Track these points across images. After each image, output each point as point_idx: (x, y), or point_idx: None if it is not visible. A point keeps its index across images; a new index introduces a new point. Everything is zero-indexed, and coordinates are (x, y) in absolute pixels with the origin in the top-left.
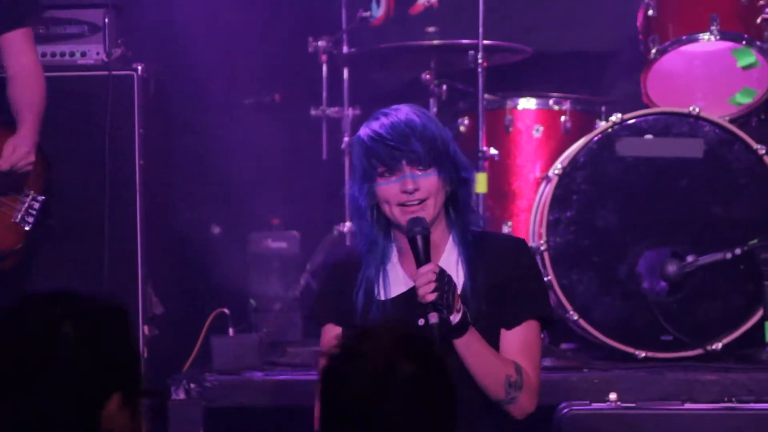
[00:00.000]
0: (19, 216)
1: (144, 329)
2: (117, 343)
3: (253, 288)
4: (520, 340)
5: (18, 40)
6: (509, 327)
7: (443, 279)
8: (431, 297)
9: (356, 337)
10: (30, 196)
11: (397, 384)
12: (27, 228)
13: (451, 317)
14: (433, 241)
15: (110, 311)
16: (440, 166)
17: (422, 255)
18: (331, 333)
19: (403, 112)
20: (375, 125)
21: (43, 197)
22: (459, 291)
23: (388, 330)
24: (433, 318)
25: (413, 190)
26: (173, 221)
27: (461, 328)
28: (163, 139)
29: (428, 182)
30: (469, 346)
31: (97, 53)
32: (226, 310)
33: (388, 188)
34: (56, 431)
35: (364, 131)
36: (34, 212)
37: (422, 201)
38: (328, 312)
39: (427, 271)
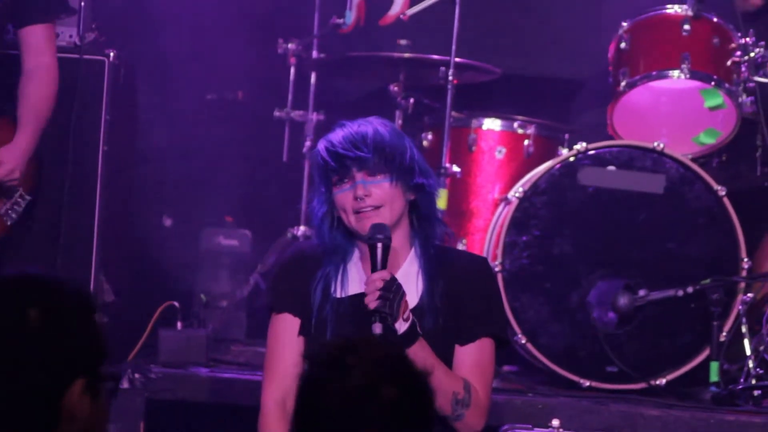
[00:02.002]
0: (3, 209)
1: None
2: (82, 328)
3: (202, 283)
4: (473, 358)
5: (40, 35)
6: (463, 343)
7: (391, 287)
8: (374, 304)
9: (341, 347)
10: (18, 193)
11: (378, 405)
12: (9, 222)
13: (396, 325)
14: (395, 250)
15: (75, 296)
16: (392, 173)
17: (379, 263)
18: (286, 323)
19: (358, 123)
20: (330, 136)
21: (30, 198)
22: (417, 302)
23: (374, 346)
24: (377, 329)
25: (364, 196)
26: (130, 210)
27: (408, 339)
28: (127, 128)
29: (380, 189)
30: (416, 358)
31: (70, 36)
32: (176, 303)
33: (342, 196)
34: (17, 417)
35: (321, 143)
36: (19, 209)
37: (376, 208)
38: (286, 301)
39: (376, 278)
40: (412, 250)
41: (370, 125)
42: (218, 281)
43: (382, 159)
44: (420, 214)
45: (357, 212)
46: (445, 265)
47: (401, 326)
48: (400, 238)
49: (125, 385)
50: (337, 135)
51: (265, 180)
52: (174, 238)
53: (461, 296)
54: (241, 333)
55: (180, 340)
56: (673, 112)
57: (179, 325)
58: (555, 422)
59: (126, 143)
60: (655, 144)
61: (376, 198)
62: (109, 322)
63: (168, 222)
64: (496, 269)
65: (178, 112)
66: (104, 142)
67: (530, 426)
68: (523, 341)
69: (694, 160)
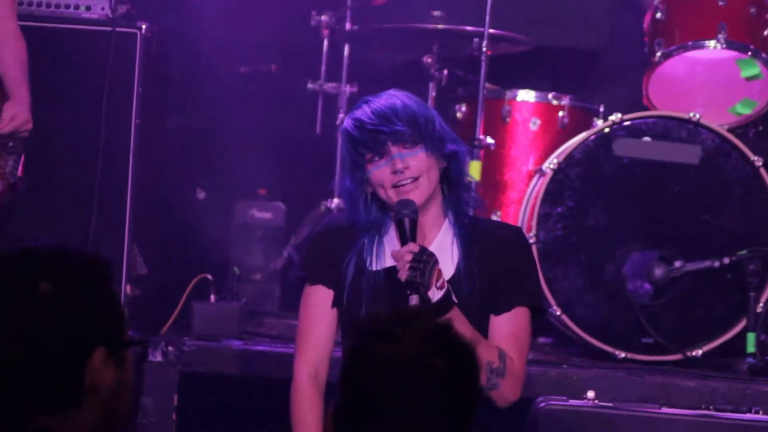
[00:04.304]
0: (11, 165)
1: (126, 288)
2: (97, 297)
3: (236, 256)
4: (508, 327)
5: (4, 2)
6: (498, 313)
7: (421, 257)
8: (405, 275)
9: (390, 318)
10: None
11: (426, 376)
12: (11, 181)
13: (430, 294)
14: (429, 221)
15: (88, 265)
16: (427, 143)
17: (408, 237)
18: (320, 294)
19: (383, 97)
20: (357, 113)
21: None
22: (453, 271)
23: (423, 317)
24: (413, 300)
25: (403, 169)
26: (163, 183)
27: (443, 307)
28: (160, 101)
29: (417, 160)
30: None
31: (102, 8)
32: (209, 276)
33: (380, 172)
34: (40, 391)
35: (347, 122)
36: (18, 166)
37: (415, 179)
38: (320, 273)
39: (404, 252)
40: (446, 220)
41: (396, 98)
42: (252, 254)
43: (415, 130)
44: (451, 182)
45: (396, 186)
46: (479, 235)
47: (435, 294)
48: (434, 208)
49: (158, 358)
50: (365, 111)
51: (299, 152)
52: (207, 211)
53: (496, 266)
54: (275, 306)
55: (213, 313)
56: (708, 83)
57: (212, 298)
58: (590, 394)
59: (158, 116)
60: (691, 115)
61: (414, 169)
62: (142, 294)
63: (201, 195)
64: (531, 241)
65: (212, 84)
66: (137, 115)
67: (565, 398)
68: (558, 313)
69: (730, 130)
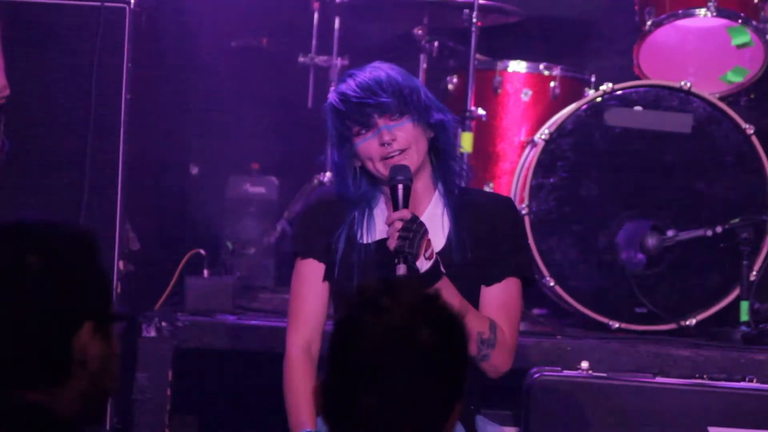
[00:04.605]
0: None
1: (119, 264)
2: (85, 270)
3: (229, 231)
4: (499, 297)
5: None
6: (489, 283)
7: (411, 226)
8: (394, 244)
9: (379, 289)
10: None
11: (414, 346)
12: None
13: (418, 263)
14: (419, 192)
15: (75, 238)
16: (413, 113)
17: (401, 203)
18: (311, 268)
19: (367, 69)
20: (342, 87)
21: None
22: (444, 242)
23: (411, 288)
24: (401, 270)
25: (391, 141)
26: (154, 158)
27: (431, 278)
28: (151, 76)
29: (404, 131)
30: None
31: None
32: (202, 251)
33: (367, 145)
34: (28, 365)
35: (332, 96)
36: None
37: (403, 150)
38: (311, 246)
39: (395, 218)
40: (436, 191)
41: (380, 70)
42: (245, 229)
43: (401, 101)
44: (439, 151)
45: (384, 158)
46: (470, 205)
47: (423, 265)
48: (424, 179)
49: (152, 333)
50: (350, 85)
51: (291, 126)
52: (200, 186)
53: (486, 236)
54: (270, 280)
55: (206, 288)
56: (699, 51)
57: (206, 273)
58: (584, 364)
59: (149, 91)
60: (682, 83)
61: (401, 141)
62: (136, 270)
63: (194, 170)
64: (524, 212)
65: (203, 59)
66: (127, 90)
67: (559, 368)
68: (552, 284)
69: (721, 98)
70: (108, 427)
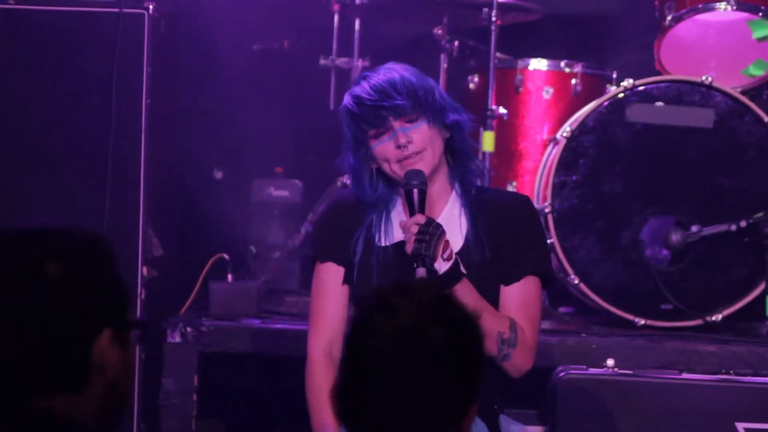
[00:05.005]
0: None
1: (143, 270)
2: (102, 278)
3: (254, 235)
4: (518, 297)
5: None
6: (508, 283)
7: (427, 229)
8: (411, 247)
9: (392, 289)
10: None
11: (427, 346)
12: None
13: (436, 265)
14: (436, 193)
15: (93, 245)
16: (428, 115)
17: (416, 207)
18: (331, 272)
19: (381, 71)
20: (356, 90)
21: None
22: (462, 243)
23: (423, 288)
24: (420, 273)
25: (406, 144)
26: (177, 163)
27: (451, 279)
28: (171, 81)
29: (419, 133)
30: (459, 298)
31: None
32: (226, 256)
33: (383, 148)
34: (47, 372)
35: (347, 99)
36: None
37: (419, 152)
38: (329, 250)
39: (410, 223)
40: (453, 191)
41: (394, 71)
42: (270, 232)
43: (416, 103)
44: (455, 151)
45: (400, 161)
46: (487, 204)
47: (441, 266)
48: (440, 180)
49: (177, 339)
50: (364, 87)
51: (314, 129)
52: (225, 191)
53: (504, 235)
54: (295, 283)
55: (230, 293)
56: (720, 45)
57: (229, 277)
58: (610, 362)
59: (170, 96)
60: (703, 78)
61: (417, 143)
62: (160, 276)
63: (219, 175)
64: (546, 210)
65: (225, 63)
66: (147, 95)
67: (585, 367)
68: (576, 282)
69: (743, 92)
70: None
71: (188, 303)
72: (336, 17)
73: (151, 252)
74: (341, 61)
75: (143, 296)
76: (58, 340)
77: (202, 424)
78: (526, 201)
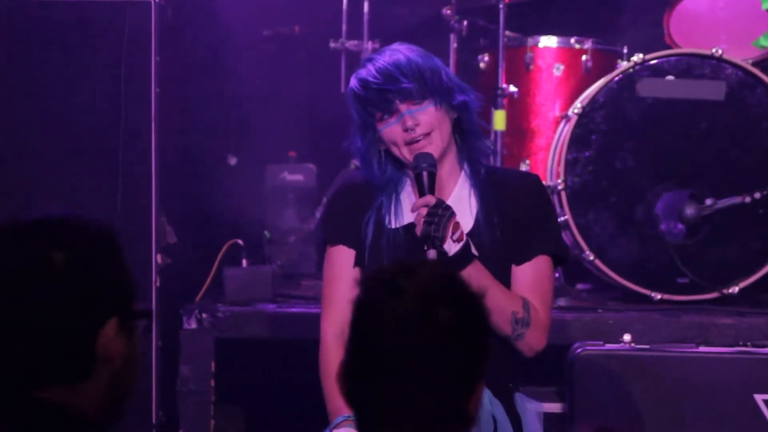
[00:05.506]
0: None
1: (157, 258)
2: (108, 267)
3: (269, 220)
4: (530, 276)
5: None
6: (519, 262)
7: (436, 211)
8: (420, 229)
9: (396, 270)
10: None
11: (432, 327)
12: None
13: (446, 247)
14: (445, 174)
15: (99, 235)
16: (435, 97)
17: (426, 190)
18: (342, 254)
19: (386, 53)
20: (362, 73)
21: None
22: (472, 223)
23: (429, 269)
24: (431, 255)
25: (414, 126)
26: (189, 151)
27: (462, 260)
28: (180, 68)
29: (427, 115)
30: (471, 280)
31: None
32: (240, 242)
33: (391, 131)
34: (52, 361)
35: (353, 82)
36: None
37: (427, 134)
38: (340, 233)
39: (420, 204)
40: (462, 172)
41: (400, 53)
42: (285, 217)
43: (422, 85)
44: (464, 131)
45: (408, 144)
46: (496, 184)
47: (451, 248)
48: (450, 161)
49: (193, 325)
50: (370, 70)
51: (326, 112)
52: (238, 176)
53: (515, 215)
54: (312, 267)
55: (245, 278)
56: (730, 17)
57: (244, 262)
58: (626, 337)
59: (179, 84)
60: (714, 50)
61: (425, 125)
62: (175, 263)
63: (233, 161)
64: (560, 187)
65: (236, 50)
66: (156, 84)
67: (602, 342)
68: (591, 258)
69: (754, 64)
70: (154, 421)
71: (203, 289)
72: (345, 0)
73: (164, 240)
74: (351, 44)
75: (158, 284)
76: (64, 330)
77: (220, 409)
78: (536, 180)
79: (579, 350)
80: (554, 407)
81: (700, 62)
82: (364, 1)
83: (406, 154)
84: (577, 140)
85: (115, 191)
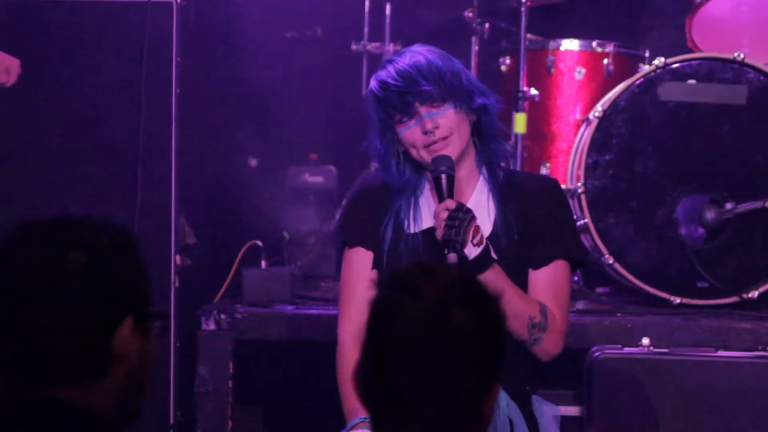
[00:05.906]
0: None
1: (176, 259)
2: (125, 267)
3: (289, 221)
4: (547, 281)
5: None
6: (537, 266)
7: (457, 215)
8: (441, 234)
9: (413, 271)
10: None
11: (448, 329)
12: None
13: (466, 251)
14: (464, 178)
15: (116, 235)
16: (455, 100)
17: (445, 193)
18: (360, 256)
19: (406, 55)
20: (382, 75)
21: None
22: (491, 227)
23: (446, 270)
24: (451, 259)
25: (433, 129)
26: (210, 152)
27: (481, 264)
28: (202, 70)
29: (446, 118)
30: (489, 284)
31: None
32: (260, 243)
33: (410, 133)
34: (69, 360)
35: (373, 83)
36: None
37: (446, 137)
38: (358, 235)
39: (440, 209)
40: (481, 176)
41: (420, 55)
42: (305, 218)
43: (442, 88)
44: (483, 134)
45: (428, 146)
46: (515, 188)
47: (471, 251)
48: (468, 164)
49: (212, 326)
50: (390, 72)
51: (347, 114)
52: (258, 178)
53: (532, 219)
54: (331, 269)
55: (263, 279)
56: (753, 21)
57: (263, 264)
58: (645, 341)
59: (200, 85)
60: (735, 54)
61: (444, 128)
62: (194, 264)
63: (253, 162)
64: (580, 191)
65: (259, 51)
66: (177, 85)
67: (620, 346)
68: (611, 261)
69: None
70: (171, 422)
71: (222, 290)
72: (367, 2)
73: (184, 240)
74: (373, 46)
75: (177, 284)
76: (80, 329)
77: (238, 410)
78: (554, 184)
79: (597, 354)
80: (572, 410)
81: (721, 66)
82: (386, 4)
83: (425, 156)
84: (597, 144)
85: (134, 192)
